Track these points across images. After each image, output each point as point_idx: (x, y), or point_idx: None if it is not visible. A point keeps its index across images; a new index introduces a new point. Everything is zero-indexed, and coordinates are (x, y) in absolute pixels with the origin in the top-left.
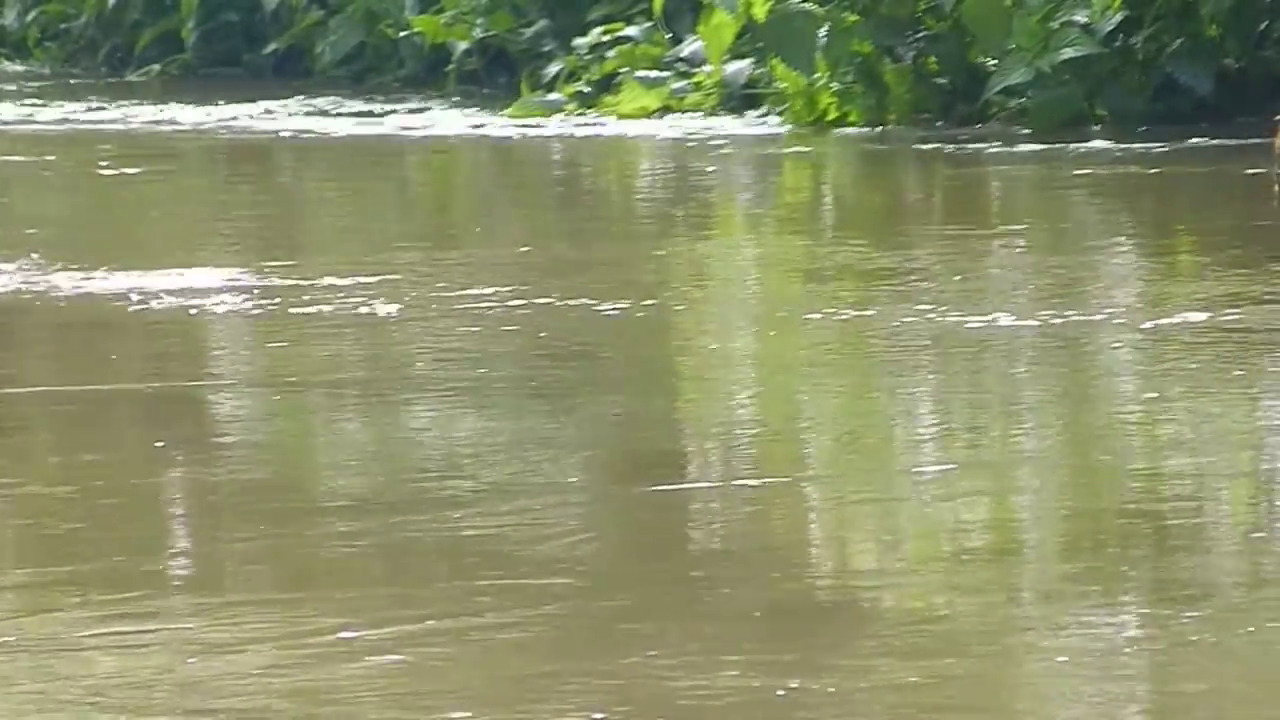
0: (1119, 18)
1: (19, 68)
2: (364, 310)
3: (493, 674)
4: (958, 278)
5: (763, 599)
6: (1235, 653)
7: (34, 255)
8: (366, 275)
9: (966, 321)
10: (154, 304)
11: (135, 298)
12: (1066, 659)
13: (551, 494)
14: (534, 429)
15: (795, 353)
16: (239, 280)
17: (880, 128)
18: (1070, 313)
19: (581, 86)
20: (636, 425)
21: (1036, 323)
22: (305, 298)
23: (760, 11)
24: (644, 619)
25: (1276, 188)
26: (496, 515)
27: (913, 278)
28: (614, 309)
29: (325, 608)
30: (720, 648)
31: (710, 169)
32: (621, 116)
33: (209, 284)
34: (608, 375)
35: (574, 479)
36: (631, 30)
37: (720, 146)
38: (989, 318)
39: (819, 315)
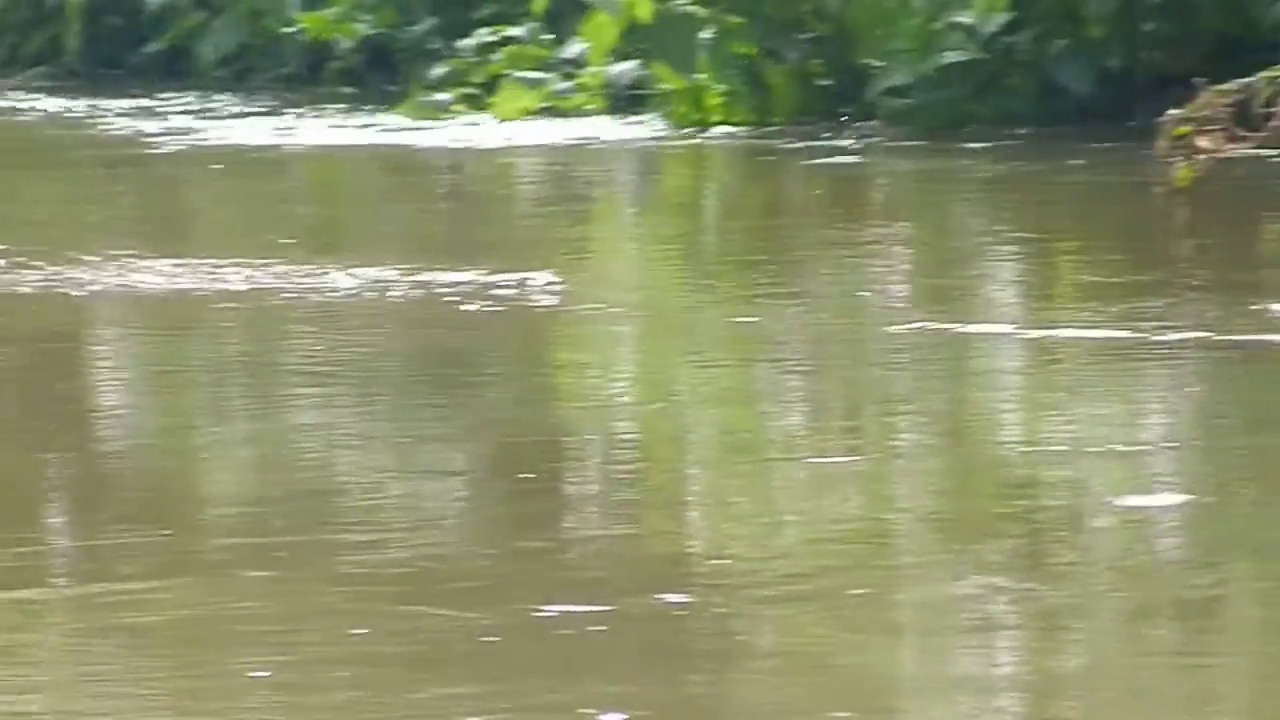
0: (1003, 19)
1: None
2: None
3: None
4: (809, 275)
5: None
6: None
7: None
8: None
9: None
10: None
11: None
12: None
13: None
14: None
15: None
16: None
17: (764, 129)
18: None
19: (468, 89)
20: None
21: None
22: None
23: (643, 13)
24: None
25: (1164, 188)
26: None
27: (757, 274)
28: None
29: None
30: None
31: (586, 170)
32: (503, 118)
33: None
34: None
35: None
36: (518, 30)
37: (600, 148)
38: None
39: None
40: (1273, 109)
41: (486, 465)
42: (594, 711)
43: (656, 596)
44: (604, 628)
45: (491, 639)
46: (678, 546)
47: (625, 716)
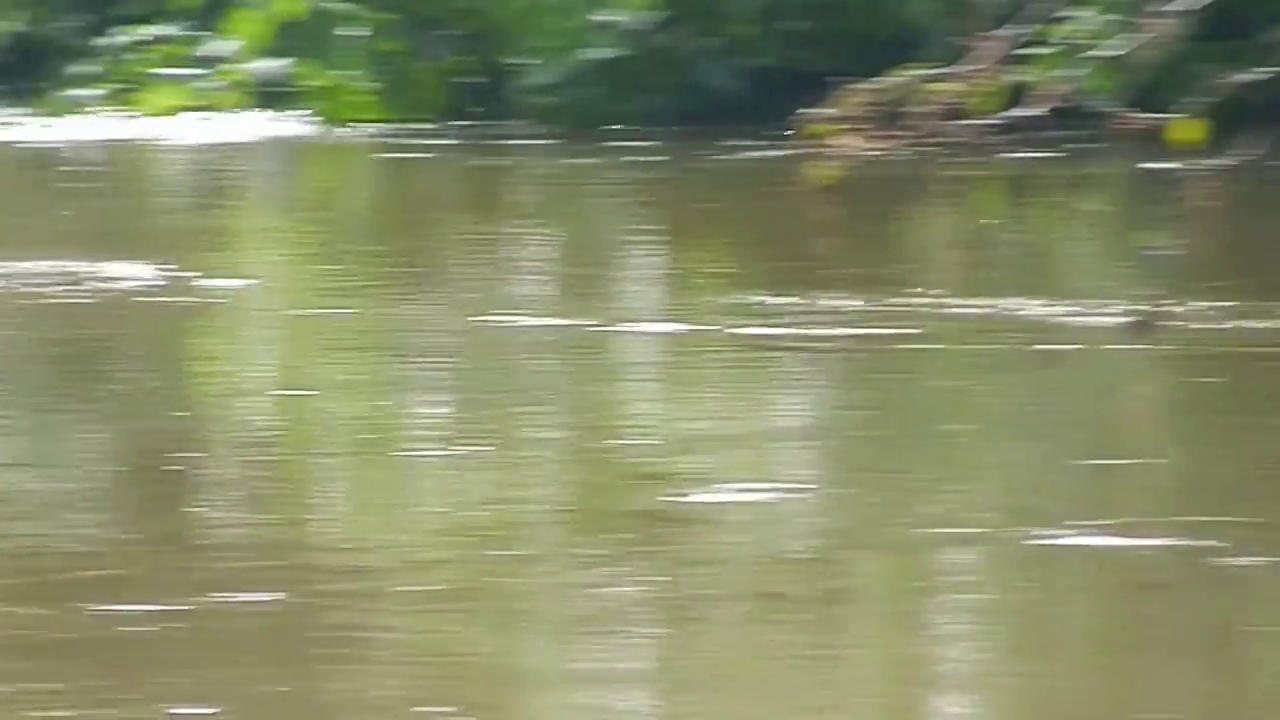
0: (651, 17)
1: None
2: None
3: None
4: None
5: None
6: None
7: None
8: None
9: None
10: None
11: None
12: None
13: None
14: None
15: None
16: None
17: (412, 126)
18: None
19: (116, 85)
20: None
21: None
22: None
23: (290, 9)
24: None
25: (804, 187)
26: None
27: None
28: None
29: None
30: None
31: (226, 167)
32: (150, 114)
33: None
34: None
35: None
36: (164, 28)
37: (244, 144)
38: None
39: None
40: (913, 108)
41: (97, 458)
42: (181, 706)
43: (259, 590)
44: (194, 624)
45: (72, 635)
46: (290, 539)
47: (215, 710)
